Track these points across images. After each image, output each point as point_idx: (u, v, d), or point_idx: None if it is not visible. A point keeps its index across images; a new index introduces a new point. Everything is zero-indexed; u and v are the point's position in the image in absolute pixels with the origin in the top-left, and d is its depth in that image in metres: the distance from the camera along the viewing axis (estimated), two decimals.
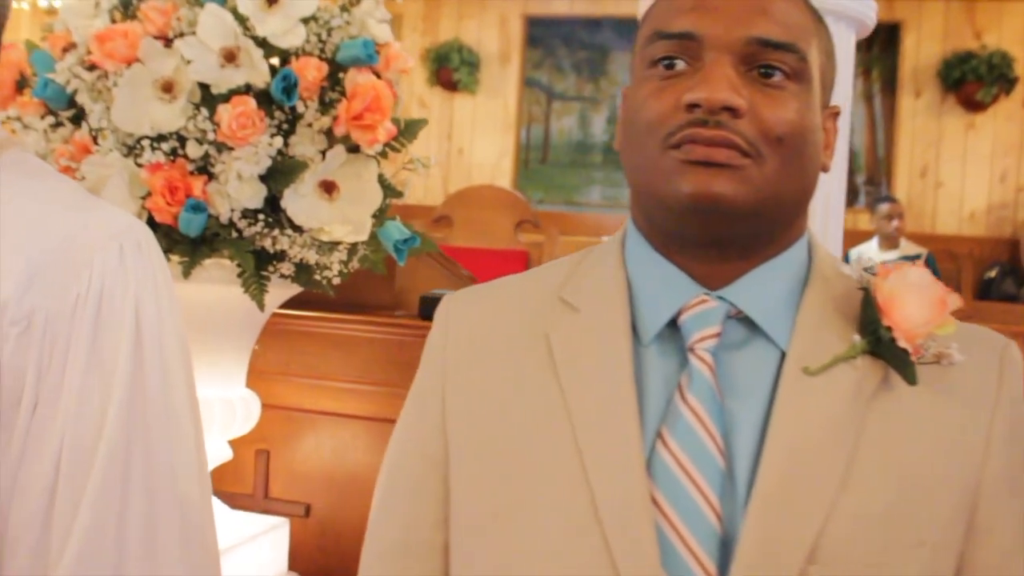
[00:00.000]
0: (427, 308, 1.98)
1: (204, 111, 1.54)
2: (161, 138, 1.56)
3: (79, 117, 1.69)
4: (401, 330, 1.97)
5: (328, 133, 1.61)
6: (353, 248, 1.65)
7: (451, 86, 7.82)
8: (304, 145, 1.58)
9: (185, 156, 1.57)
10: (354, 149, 1.64)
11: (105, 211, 1.17)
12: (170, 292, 1.17)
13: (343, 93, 1.63)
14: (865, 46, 7.14)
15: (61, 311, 1.07)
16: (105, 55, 1.59)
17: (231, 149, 1.55)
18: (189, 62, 1.56)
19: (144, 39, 1.59)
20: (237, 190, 1.55)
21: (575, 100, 7.87)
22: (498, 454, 0.88)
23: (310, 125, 1.59)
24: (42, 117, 1.72)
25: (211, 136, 1.54)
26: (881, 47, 7.19)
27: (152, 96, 1.60)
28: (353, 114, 1.57)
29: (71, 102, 1.68)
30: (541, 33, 7.83)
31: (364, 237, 1.63)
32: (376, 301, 1.97)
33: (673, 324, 0.88)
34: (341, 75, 1.64)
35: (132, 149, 1.60)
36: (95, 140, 1.64)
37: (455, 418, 0.92)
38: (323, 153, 1.61)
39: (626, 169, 0.91)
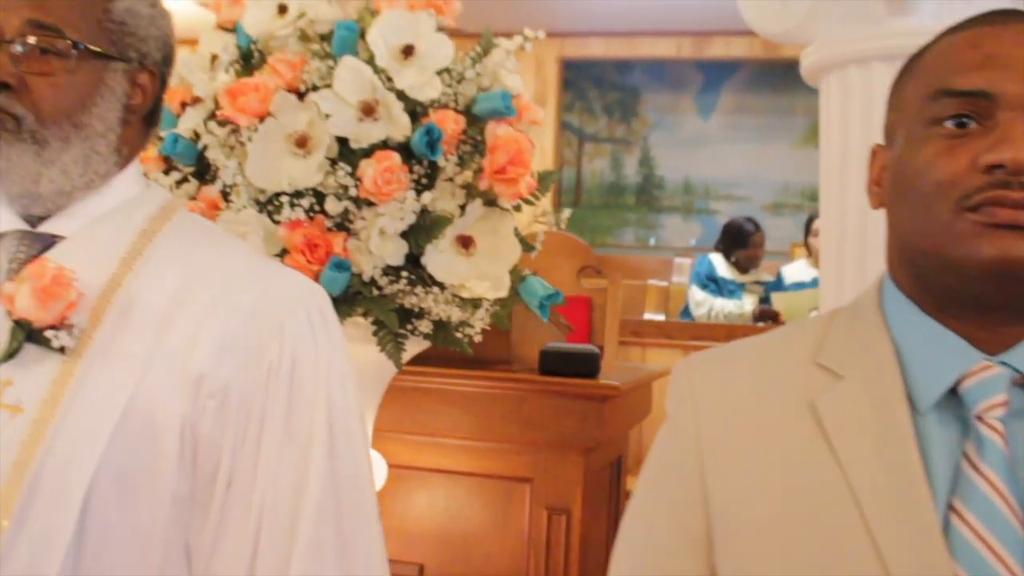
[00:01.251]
0: (548, 362, 1.93)
1: (345, 166, 1.50)
2: (298, 194, 1.52)
3: (202, 172, 1.66)
4: (523, 385, 1.92)
5: (466, 187, 1.57)
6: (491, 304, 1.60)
7: None
8: (445, 200, 1.54)
9: (323, 212, 1.53)
10: (490, 203, 1.60)
11: (284, 275, 1.14)
12: (348, 355, 1.14)
13: (475, 146, 1.59)
14: None
15: (255, 383, 1.04)
16: (238, 110, 1.55)
17: (371, 205, 1.51)
18: (327, 116, 1.52)
19: (278, 93, 1.56)
20: (379, 247, 1.51)
21: (607, 142, 7.86)
22: (775, 528, 0.84)
23: (450, 179, 1.55)
24: (165, 172, 1.68)
25: (352, 192, 1.50)
26: None
27: (285, 151, 1.56)
28: (496, 167, 1.53)
29: (198, 157, 1.64)
30: (572, 75, 7.83)
31: (504, 293, 1.58)
32: (490, 355, 1.92)
33: (951, 391, 0.84)
34: (475, 127, 1.60)
35: (264, 205, 1.56)
36: (224, 196, 1.60)
37: (719, 492, 0.87)
38: (462, 208, 1.57)
39: (896, 229, 0.87)
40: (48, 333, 1.01)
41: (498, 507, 1.95)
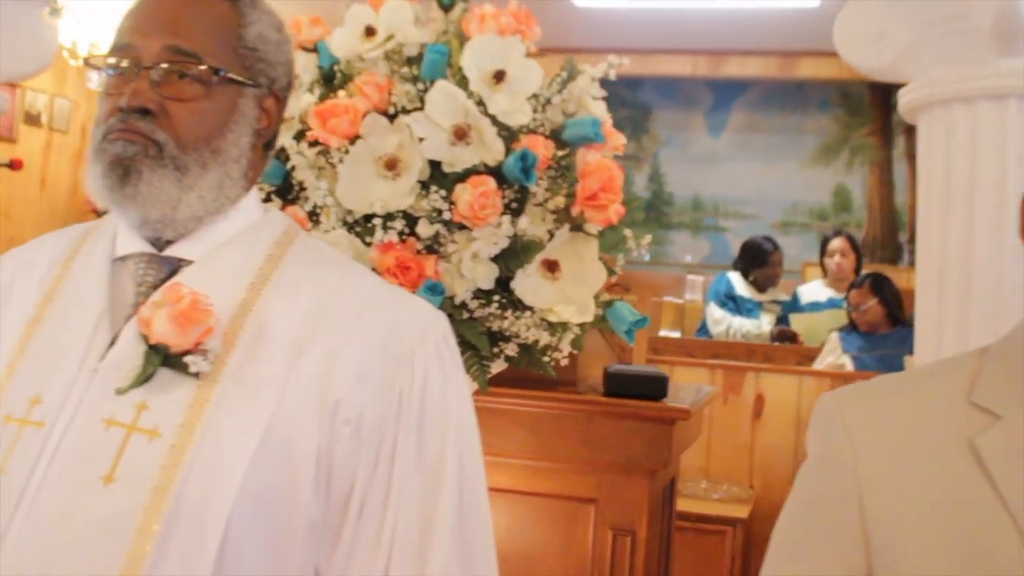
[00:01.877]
0: (615, 384, 1.94)
1: (440, 190, 1.51)
2: (390, 216, 1.53)
3: (284, 191, 1.67)
4: (590, 407, 1.93)
5: (556, 212, 1.58)
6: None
7: None
8: (536, 224, 1.56)
9: (414, 235, 1.54)
10: (575, 228, 1.61)
11: (412, 302, 1.15)
12: (466, 380, 1.15)
13: (560, 171, 1.61)
14: None
15: (387, 409, 1.05)
16: (328, 131, 1.56)
17: (463, 228, 1.52)
18: (421, 139, 1.53)
19: (370, 115, 1.57)
20: (471, 270, 1.52)
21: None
22: (940, 569, 0.85)
23: (541, 204, 1.57)
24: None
25: (447, 215, 1.51)
26: None
27: (374, 173, 1.57)
28: (588, 194, 1.55)
29: (284, 176, 1.65)
30: None
31: (590, 318, 1.59)
32: (555, 376, 1.93)
33: None
34: (564, 153, 1.61)
35: (351, 226, 1.57)
36: (309, 215, 1.61)
37: (880, 528, 0.88)
38: (550, 232, 1.58)
39: None
40: (187, 359, 1.01)
41: (562, 527, 1.96)
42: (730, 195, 7.67)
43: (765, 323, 5.11)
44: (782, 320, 4.98)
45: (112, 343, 1.05)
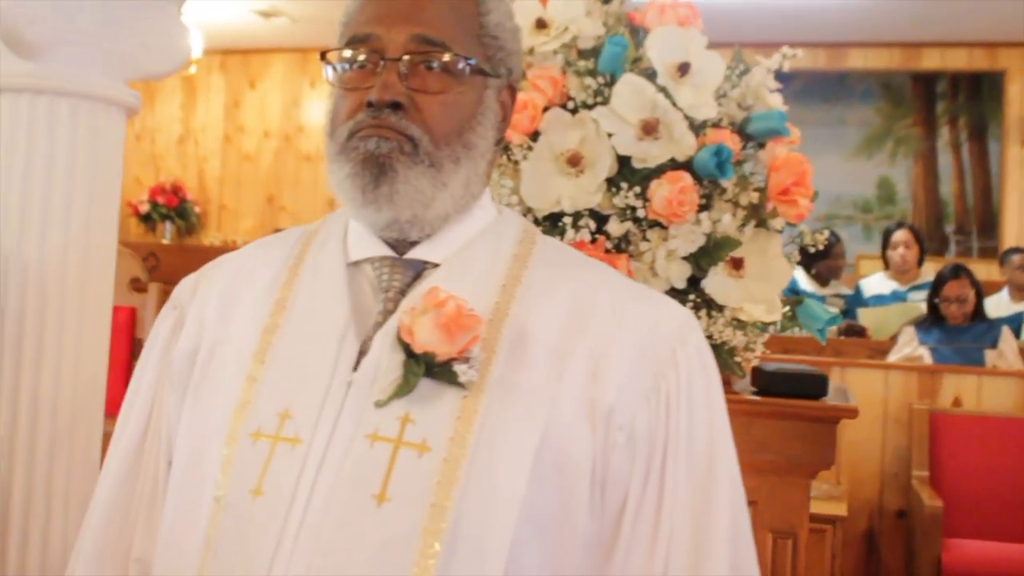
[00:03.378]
0: (772, 383, 1.89)
1: (634, 187, 1.47)
2: (578, 215, 1.49)
3: None
4: (752, 407, 1.88)
5: (748, 207, 1.54)
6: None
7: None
8: (726, 221, 1.51)
9: (603, 233, 1.50)
10: (760, 223, 1.56)
11: (665, 301, 1.10)
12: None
13: (752, 165, 1.57)
14: (951, 95, 7.12)
15: (656, 414, 1.00)
16: (511, 127, 1.52)
17: (655, 226, 1.48)
18: (610, 135, 1.49)
19: (553, 110, 1.53)
20: (665, 269, 1.47)
21: None
22: None
23: (731, 201, 1.52)
24: None
25: (640, 213, 1.47)
26: (967, 95, 7.16)
27: (555, 170, 1.53)
28: (780, 188, 1.50)
29: None
30: None
31: (778, 317, 1.55)
32: (743, 377, 1.88)
33: None
34: (748, 146, 1.57)
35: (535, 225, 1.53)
36: None
37: None
38: (740, 229, 1.53)
39: None
40: (456, 367, 0.96)
41: None
42: None
43: None
44: (848, 314, 4.92)
45: (361, 352, 0.99)
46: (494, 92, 1.07)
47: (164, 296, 4.91)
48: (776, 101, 1.62)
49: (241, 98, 7.70)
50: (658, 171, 1.48)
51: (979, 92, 7.13)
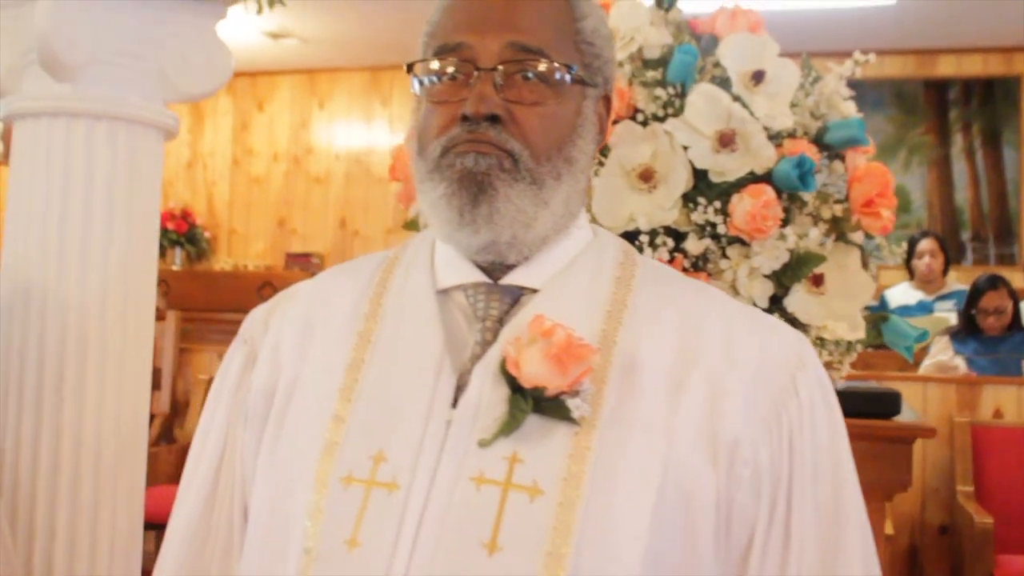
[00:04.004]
0: (846, 403, 1.81)
1: (714, 202, 1.39)
2: (654, 232, 1.42)
3: None
4: None
5: (826, 221, 1.47)
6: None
7: None
8: (813, 236, 1.44)
9: (681, 251, 1.42)
10: (840, 237, 1.49)
11: (775, 322, 1.03)
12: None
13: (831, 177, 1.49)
14: (963, 101, 7.07)
15: (779, 447, 0.93)
16: None
17: (735, 243, 1.41)
18: (686, 148, 1.42)
19: (623, 123, 1.46)
20: (747, 288, 1.40)
21: None
22: None
23: (811, 214, 1.45)
24: None
25: (721, 229, 1.39)
26: (980, 101, 7.11)
27: (626, 185, 1.46)
28: (864, 200, 1.43)
29: None
30: None
31: (862, 335, 1.47)
32: None
33: None
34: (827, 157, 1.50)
35: None
36: None
37: None
38: (820, 243, 1.46)
39: None
40: (568, 402, 0.88)
41: None
42: None
43: None
44: None
45: (458, 387, 0.91)
46: (592, 103, 0.99)
47: (181, 324, 4.83)
48: (851, 109, 1.55)
49: (249, 120, 7.64)
50: (736, 185, 1.40)
51: (992, 98, 7.07)
